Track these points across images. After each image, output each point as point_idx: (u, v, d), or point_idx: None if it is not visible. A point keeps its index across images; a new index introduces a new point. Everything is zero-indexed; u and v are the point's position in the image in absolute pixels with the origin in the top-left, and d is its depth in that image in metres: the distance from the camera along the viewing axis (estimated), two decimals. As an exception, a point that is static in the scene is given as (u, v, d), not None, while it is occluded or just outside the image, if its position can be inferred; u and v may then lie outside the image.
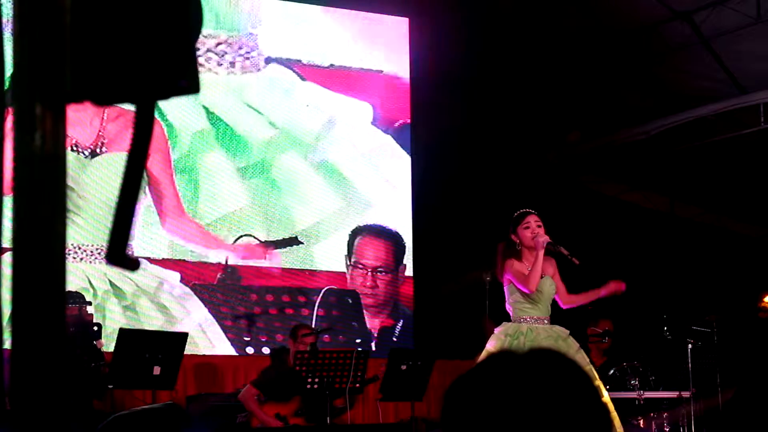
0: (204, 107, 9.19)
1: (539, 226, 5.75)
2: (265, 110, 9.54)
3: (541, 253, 5.66)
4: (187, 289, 8.89)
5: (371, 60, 10.14)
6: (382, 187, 9.99)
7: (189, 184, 9.09)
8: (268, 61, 9.63)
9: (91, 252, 8.40)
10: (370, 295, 9.76)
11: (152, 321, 8.60)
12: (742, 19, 8.99)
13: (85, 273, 8.36)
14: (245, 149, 9.40)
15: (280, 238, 9.36)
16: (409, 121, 10.20)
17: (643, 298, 10.29)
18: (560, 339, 5.72)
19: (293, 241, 9.40)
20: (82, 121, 8.56)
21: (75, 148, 8.51)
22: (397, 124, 10.16)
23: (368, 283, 9.75)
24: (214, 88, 9.25)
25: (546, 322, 5.77)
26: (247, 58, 9.51)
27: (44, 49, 0.90)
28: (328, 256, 9.60)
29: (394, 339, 9.77)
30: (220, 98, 9.30)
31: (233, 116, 9.37)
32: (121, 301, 8.55)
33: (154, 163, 8.78)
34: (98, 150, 8.63)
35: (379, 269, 9.82)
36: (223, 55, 9.35)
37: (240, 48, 9.48)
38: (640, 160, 10.95)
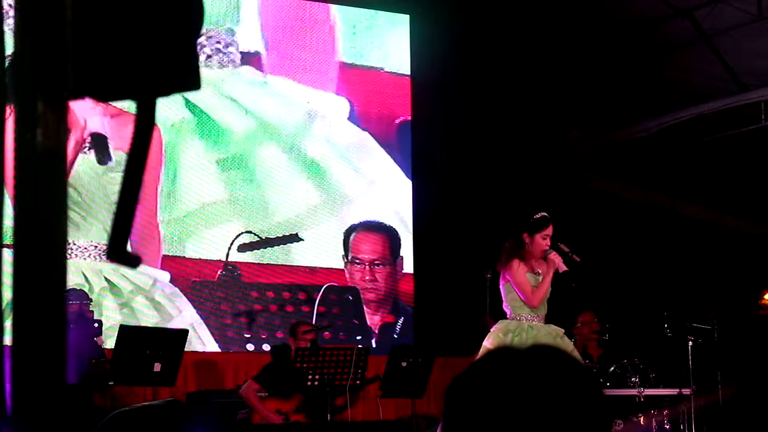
0: (183, 98, 8.99)
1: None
2: (250, 103, 9.46)
3: (552, 271, 5.73)
4: (183, 286, 8.86)
5: (372, 57, 10.12)
6: (382, 185, 9.98)
7: (167, 176, 9.00)
8: (269, 62, 9.62)
9: (86, 248, 8.37)
10: (371, 290, 9.75)
11: (147, 318, 8.56)
12: (743, 17, 8.98)
13: (80, 269, 8.32)
14: (226, 143, 9.30)
15: (281, 234, 9.36)
16: (410, 118, 10.19)
17: (644, 296, 10.30)
18: (558, 337, 5.76)
19: (294, 238, 9.39)
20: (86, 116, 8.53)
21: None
22: (397, 121, 10.15)
23: (367, 278, 9.74)
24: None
25: (542, 320, 5.79)
26: (235, 51, 9.44)
27: (46, 46, 0.90)
28: (329, 253, 9.59)
29: (395, 336, 9.77)
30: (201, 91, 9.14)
31: (214, 108, 9.26)
32: (118, 299, 8.51)
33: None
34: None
35: (376, 262, 9.81)
36: (201, 48, 9.24)
37: (219, 42, 9.39)
38: (641, 157, 10.93)
